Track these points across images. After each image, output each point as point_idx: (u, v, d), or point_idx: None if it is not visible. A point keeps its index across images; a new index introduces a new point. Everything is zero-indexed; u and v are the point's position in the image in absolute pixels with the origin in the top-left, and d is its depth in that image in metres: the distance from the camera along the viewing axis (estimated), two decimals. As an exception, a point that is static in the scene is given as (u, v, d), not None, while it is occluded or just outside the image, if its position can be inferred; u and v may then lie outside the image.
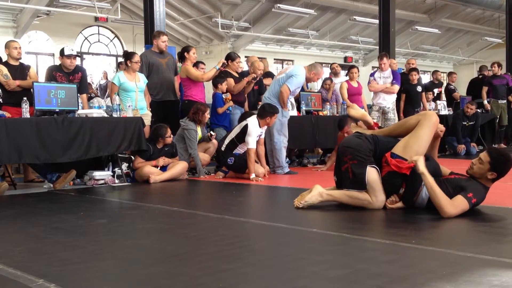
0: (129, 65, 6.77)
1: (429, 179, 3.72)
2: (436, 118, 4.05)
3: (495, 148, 3.91)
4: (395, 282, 2.28)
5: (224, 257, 2.73)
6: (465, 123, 10.02)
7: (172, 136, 6.53)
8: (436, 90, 12.17)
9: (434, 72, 12.69)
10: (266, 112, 6.44)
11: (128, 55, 6.92)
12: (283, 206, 4.63)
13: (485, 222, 3.70)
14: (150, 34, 8.38)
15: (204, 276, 2.38)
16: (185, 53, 7.44)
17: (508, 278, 2.24)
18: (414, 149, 3.87)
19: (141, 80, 6.88)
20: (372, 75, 9.59)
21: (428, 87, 12.10)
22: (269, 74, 9.03)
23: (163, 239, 3.32)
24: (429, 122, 3.97)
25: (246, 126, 6.44)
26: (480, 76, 12.05)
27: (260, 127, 6.48)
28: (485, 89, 11.43)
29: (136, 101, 6.69)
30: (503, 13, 16.99)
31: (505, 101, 11.45)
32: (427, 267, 2.48)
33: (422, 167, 3.74)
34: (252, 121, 6.46)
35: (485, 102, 11.22)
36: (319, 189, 4.05)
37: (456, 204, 3.64)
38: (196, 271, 2.48)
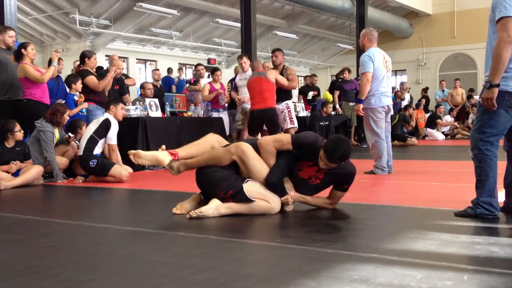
0: None
1: (305, 199, 4.01)
2: (246, 145, 3.88)
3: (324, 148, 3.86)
4: (263, 282, 2.31)
5: (84, 267, 2.57)
6: (322, 123, 10.74)
7: (22, 131, 6.07)
8: (311, 93, 12.84)
9: (311, 76, 13.56)
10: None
11: None
12: (147, 209, 4.50)
13: (345, 219, 3.91)
14: (0, 29, 7.71)
15: (62, 290, 2.22)
16: (22, 50, 6.67)
17: (366, 272, 2.37)
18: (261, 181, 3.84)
19: None
20: (232, 81, 9.26)
21: (304, 91, 12.92)
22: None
23: (16, 251, 3.04)
24: (248, 155, 3.82)
25: (105, 121, 6.32)
26: (340, 80, 12.68)
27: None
28: (337, 93, 12.46)
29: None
30: (354, 21, 18.25)
31: (354, 103, 12.29)
32: (292, 265, 2.54)
33: (294, 198, 3.93)
34: (110, 116, 6.43)
35: (337, 106, 12.11)
36: (216, 202, 3.75)
37: (339, 197, 4.05)
38: (53, 284, 2.30)
